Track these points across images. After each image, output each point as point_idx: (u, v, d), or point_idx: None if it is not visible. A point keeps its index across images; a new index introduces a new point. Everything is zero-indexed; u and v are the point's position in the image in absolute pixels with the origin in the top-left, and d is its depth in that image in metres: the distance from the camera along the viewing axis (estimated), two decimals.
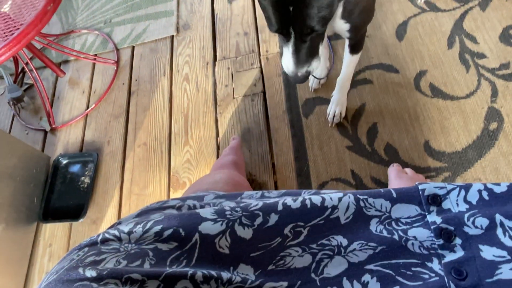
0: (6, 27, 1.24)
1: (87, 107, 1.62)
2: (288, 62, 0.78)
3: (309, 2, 0.68)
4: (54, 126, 1.59)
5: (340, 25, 0.95)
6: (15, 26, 1.22)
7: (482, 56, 1.28)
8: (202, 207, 0.47)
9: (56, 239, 1.36)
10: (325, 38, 0.98)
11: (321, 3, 0.69)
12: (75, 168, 1.48)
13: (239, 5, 1.67)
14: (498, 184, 0.38)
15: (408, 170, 1.13)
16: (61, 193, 1.44)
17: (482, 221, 0.35)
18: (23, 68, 1.80)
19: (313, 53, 0.77)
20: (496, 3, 1.35)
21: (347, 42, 1.04)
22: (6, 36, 1.21)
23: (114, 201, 1.38)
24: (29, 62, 1.52)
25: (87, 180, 1.44)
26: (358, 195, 0.40)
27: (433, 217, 0.37)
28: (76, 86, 1.70)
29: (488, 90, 1.22)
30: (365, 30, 1.06)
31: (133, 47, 1.72)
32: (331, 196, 0.41)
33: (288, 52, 0.76)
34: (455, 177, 1.12)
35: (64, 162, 1.49)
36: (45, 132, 1.61)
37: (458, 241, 0.35)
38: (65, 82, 1.73)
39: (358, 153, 1.23)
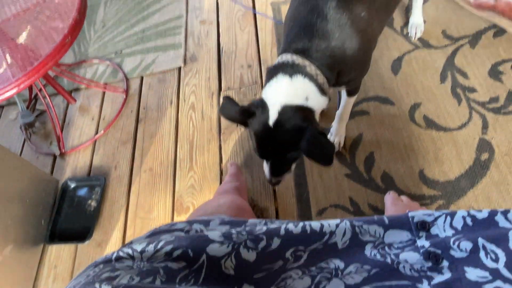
0: (26, 57, 1.32)
1: (96, 133, 1.69)
2: (266, 172, 1.04)
3: (283, 153, 0.94)
4: (63, 150, 1.66)
5: (337, 88, 1.14)
6: (34, 57, 1.31)
7: (472, 90, 1.36)
8: None
9: (62, 261, 1.39)
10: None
11: (291, 155, 0.95)
12: (83, 191, 1.53)
13: (243, 40, 1.77)
14: (480, 211, 0.42)
15: (403, 197, 1.18)
16: (68, 216, 1.48)
17: (467, 245, 0.38)
18: (36, 95, 1.88)
19: (285, 170, 1.03)
20: (485, 42, 1.44)
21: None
22: (25, 66, 1.29)
23: (120, 224, 1.42)
24: (42, 89, 1.61)
25: (93, 203, 1.48)
26: (354, 222, 0.44)
27: (422, 242, 0.40)
28: (86, 113, 1.78)
29: (479, 122, 1.29)
30: (361, 79, 1.18)
31: (142, 77, 1.81)
32: (329, 222, 0.44)
33: (266, 167, 1.02)
34: (449, 205, 1.17)
35: (72, 185, 1.54)
36: (55, 156, 1.67)
37: (445, 263, 0.38)
38: (76, 109, 1.80)
39: (356, 181, 1.29)
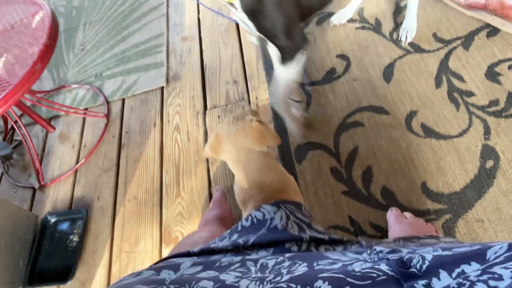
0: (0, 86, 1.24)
1: (77, 162, 1.59)
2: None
3: None
4: (43, 183, 1.56)
5: (245, 20, 0.89)
6: (2, 87, 1.22)
7: (470, 94, 1.28)
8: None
9: None
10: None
11: None
12: (64, 226, 1.42)
13: (227, 54, 1.69)
14: (502, 279, 0.33)
15: (407, 214, 1.09)
16: (49, 254, 1.37)
17: None
18: (12, 125, 1.78)
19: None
20: (479, 42, 1.38)
21: None
22: None
23: (104, 260, 1.32)
24: (18, 120, 1.51)
25: (76, 238, 1.38)
26: None
27: None
28: (66, 140, 1.68)
29: (480, 127, 1.21)
30: (292, 42, 0.93)
31: (123, 100, 1.73)
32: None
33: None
34: (457, 219, 1.08)
35: (53, 220, 1.43)
36: (34, 190, 1.57)
37: None
38: (56, 137, 1.71)
39: (355, 198, 1.20)
